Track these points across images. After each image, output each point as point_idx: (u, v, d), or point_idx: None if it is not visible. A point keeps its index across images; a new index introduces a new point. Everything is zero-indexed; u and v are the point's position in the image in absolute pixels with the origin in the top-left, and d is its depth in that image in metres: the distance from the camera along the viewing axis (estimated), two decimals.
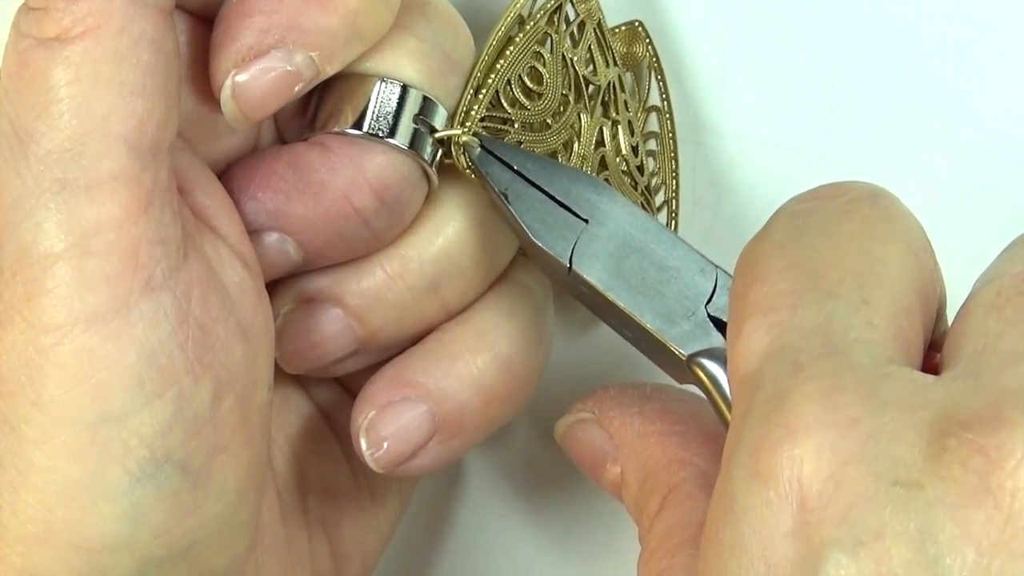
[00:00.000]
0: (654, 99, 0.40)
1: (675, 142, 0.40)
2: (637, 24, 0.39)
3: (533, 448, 0.42)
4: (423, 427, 0.35)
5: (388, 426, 0.35)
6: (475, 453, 0.41)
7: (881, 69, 0.40)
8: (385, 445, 0.35)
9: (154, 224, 0.30)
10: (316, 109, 0.35)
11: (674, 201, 0.40)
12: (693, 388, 0.33)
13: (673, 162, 0.40)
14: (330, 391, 0.39)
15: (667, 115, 0.40)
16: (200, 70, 0.34)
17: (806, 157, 0.40)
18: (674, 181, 0.40)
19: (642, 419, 0.34)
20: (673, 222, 0.40)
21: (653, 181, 0.40)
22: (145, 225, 0.30)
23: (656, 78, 0.40)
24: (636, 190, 0.39)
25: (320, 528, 0.38)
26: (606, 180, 0.37)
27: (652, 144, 0.40)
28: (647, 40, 0.39)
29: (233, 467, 0.32)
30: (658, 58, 0.40)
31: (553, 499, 0.42)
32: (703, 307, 0.33)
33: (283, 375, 0.37)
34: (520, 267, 0.37)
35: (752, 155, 0.40)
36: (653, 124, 0.40)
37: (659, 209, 0.40)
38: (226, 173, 0.35)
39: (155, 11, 0.31)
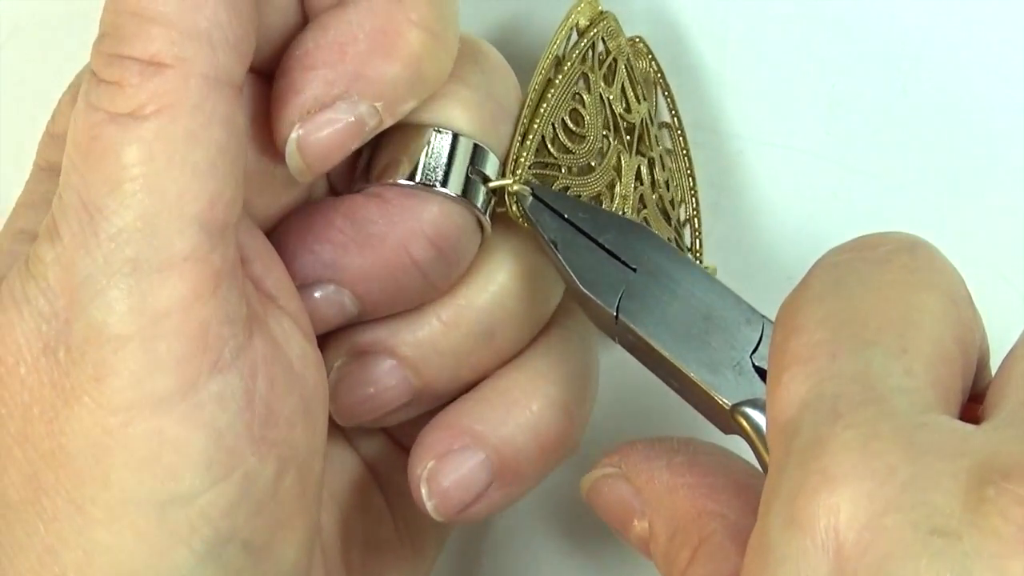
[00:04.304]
0: (663, 116, 0.39)
1: (690, 159, 0.39)
2: (638, 40, 0.39)
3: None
4: (482, 475, 0.35)
5: (448, 475, 0.35)
6: None
7: (881, 69, 0.39)
8: (446, 495, 0.35)
9: (222, 304, 0.30)
10: (370, 160, 0.35)
11: (696, 219, 0.39)
12: (738, 439, 0.33)
13: (691, 179, 0.39)
14: (376, 443, 0.39)
15: (679, 131, 0.39)
16: (258, 125, 0.33)
17: (806, 157, 0.40)
18: (693, 199, 0.39)
19: (670, 472, 0.33)
20: (697, 239, 0.39)
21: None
22: (214, 306, 0.30)
23: (663, 94, 0.39)
24: (670, 225, 0.38)
25: None
26: (645, 218, 0.37)
27: (667, 161, 0.39)
28: (650, 56, 0.39)
29: (293, 542, 0.32)
30: (663, 74, 0.39)
31: (554, 501, 0.42)
32: (748, 357, 0.33)
33: (330, 429, 0.36)
34: (566, 311, 0.37)
35: (752, 155, 0.40)
36: (664, 141, 0.40)
37: (682, 226, 0.39)
38: (280, 227, 0.35)
39: (227, 87, 0.30)
